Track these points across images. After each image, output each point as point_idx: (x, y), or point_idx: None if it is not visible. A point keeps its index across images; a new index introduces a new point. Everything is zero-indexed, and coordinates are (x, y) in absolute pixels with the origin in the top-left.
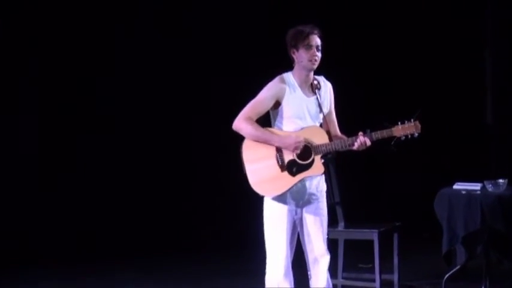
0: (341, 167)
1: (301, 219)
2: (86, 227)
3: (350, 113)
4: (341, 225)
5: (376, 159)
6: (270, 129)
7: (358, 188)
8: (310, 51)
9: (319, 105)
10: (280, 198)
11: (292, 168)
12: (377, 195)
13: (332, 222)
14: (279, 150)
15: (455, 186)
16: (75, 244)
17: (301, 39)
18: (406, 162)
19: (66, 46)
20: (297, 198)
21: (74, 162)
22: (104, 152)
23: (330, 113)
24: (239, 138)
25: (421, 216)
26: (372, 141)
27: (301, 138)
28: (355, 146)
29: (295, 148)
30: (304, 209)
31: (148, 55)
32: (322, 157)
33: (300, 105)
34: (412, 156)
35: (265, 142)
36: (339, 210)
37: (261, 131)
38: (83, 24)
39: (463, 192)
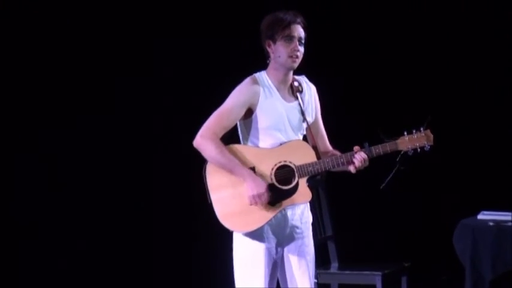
0: (334, 192)
1: (281, 259)
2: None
3: (338, 122)
4: (334, 266)
5: (378, 180)
6: (240, 148)
7: (356, 219)
8: (291, 45)
9: (302, 113)
10: (256, 234)
11: (271, 195)
12: (380, 228)
13: (323, 262)
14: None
15: (480, 216)
16: None
17: (280, 29)
18: (417, 184)
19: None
20: (277, 233)
21: None
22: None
23: (315, 122)
24: (202, 158)
25: (436, 254)
26: (372, 158)
27: (267, 194)
28: (354, 166)
29: (253, 198)
30: (285, 247)
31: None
32: (308, 180)
33: (279, 112)
34: (425, 177)
35: (231, 173)
36: (332, 247)
37: (227, 158)
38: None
39: (491, 223)
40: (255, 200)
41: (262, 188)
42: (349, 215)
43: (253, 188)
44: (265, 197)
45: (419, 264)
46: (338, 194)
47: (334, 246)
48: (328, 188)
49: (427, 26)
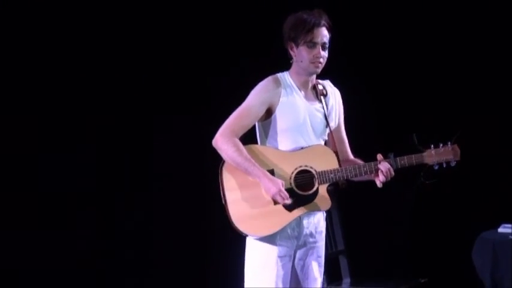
0: (346, 203)
1: (293, 269)
2: None
3: (360, 132)
4: (346, 282)
5: (393, 192)
6: (260, 149)
7: (369, 232)
8: (314, 51)
9: (326, 117)
10: (269, 242)
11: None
12: (394, 242)
13: (334, 277)
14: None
15: (500, 229)
16: None
17: (303, 33)
18: (434, 196)
19: None
20: (291, 242)
21: None
22: None
23: (338, 128)
24: (218, 156)
25: (454, 270)
26: (395, 170)
27: (285, 193)
28: (380, 180)
29: (275, 196)
30: (298, 257)
31: None
32: (328, 187)
33: (301, 112)
34: (442, 188)
35: (246, 172)
36: (344, 262)
37: (243, 157)
38: None
39: None
40: (278, 198)
41: (278, 185)
42: (362, 227)
43: (270, 187)
44: (286, 194)
45: (436, 281)
46: (350, 205)
47: (346, 261)
48: (340, 199)
49: (465, 33)
